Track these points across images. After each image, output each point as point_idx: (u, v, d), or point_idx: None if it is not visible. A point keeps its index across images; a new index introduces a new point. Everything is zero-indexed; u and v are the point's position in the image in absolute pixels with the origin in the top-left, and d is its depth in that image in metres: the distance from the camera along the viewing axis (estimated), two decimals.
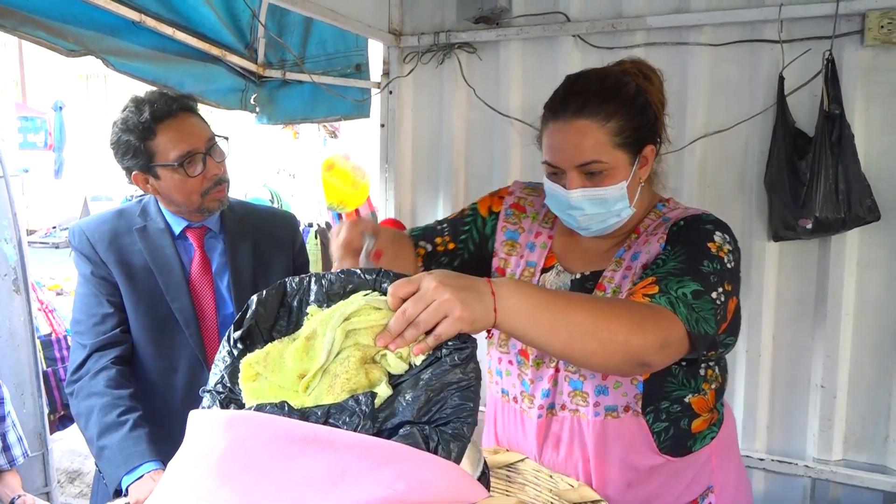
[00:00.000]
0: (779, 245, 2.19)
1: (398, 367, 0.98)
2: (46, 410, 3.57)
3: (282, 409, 1.04)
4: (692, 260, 1.18)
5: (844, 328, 2.13)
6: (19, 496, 2.50)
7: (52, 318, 4.50)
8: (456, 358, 0.95)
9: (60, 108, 11.31)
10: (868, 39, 2.00)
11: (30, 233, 13.07)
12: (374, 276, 1.04)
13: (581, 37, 2.38)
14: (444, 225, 1.51)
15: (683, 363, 1.30)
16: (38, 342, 3.63)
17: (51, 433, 3.65)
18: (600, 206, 1.26)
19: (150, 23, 2.30)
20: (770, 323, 2.22)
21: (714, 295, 1.16)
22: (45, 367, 3.86)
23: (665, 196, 1.42)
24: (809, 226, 2.02)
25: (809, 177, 2.02)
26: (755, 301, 2.21)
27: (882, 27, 1.98)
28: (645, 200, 1.35)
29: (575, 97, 1.25)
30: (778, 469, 2.22)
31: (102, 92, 15.24)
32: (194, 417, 1.13)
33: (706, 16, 2.19)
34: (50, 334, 4.25)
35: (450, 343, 0.95)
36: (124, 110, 1.73)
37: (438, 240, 1.48)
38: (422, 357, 0.95)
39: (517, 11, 2.47)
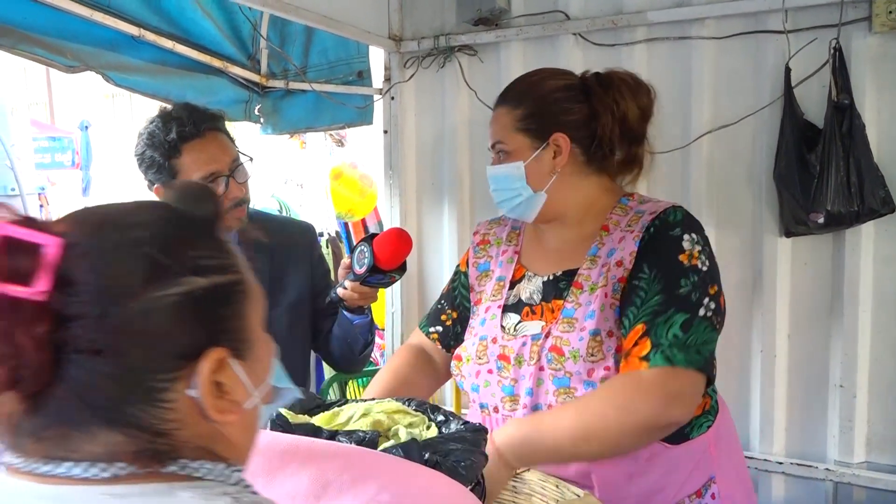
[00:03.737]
0: (791, 241, 2.12)
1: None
2: None
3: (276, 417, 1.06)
4: (669, 285, 1.26)
5: (863, 325, 2.04)
6: None
7: None
8: (468, 433, 1.08)
9: (86, 127, 11.49)
10: (876, 26, 1.93)
11: None
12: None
13: (582, 35, 2.34)
14: (442, 301, 1.65)
15: None
16: None
17: None
18: (500, 183, 1.41)
19: (150, 37, 2.32)
20: (785, 322, 2.15)
21: (702, 312, 1.25)
22: None
23: (657, 195, 1.52)
24: (821, 220, 1.95)
25: (819, 169, 1.95)
26: (768, 299, 2.15)
27: (890, 13, 1.91)
28: (596, 194, 1.42)
29: (507, 89, 1.46)
30: (797, 473, 2.14)
31: (128, 111, 15.50)
32: None
33: (707, 8, 2.14)
34: None
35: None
36: (151, 123, 1.72)
37: (443, 317, 1.62)
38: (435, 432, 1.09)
39: (516, 12, 2.44)
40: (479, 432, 1.12)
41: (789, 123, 2.02)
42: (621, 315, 1.28)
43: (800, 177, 1.99)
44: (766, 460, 2.17)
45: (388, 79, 2.73)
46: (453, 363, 1.48)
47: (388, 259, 1.56)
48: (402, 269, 1.61)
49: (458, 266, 1.66)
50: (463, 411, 2.43)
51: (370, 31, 2.54)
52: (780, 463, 2.16)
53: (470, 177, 2.64)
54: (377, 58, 2.81)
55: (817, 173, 1.95)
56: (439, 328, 1.61)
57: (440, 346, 1.59)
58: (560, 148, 1.37)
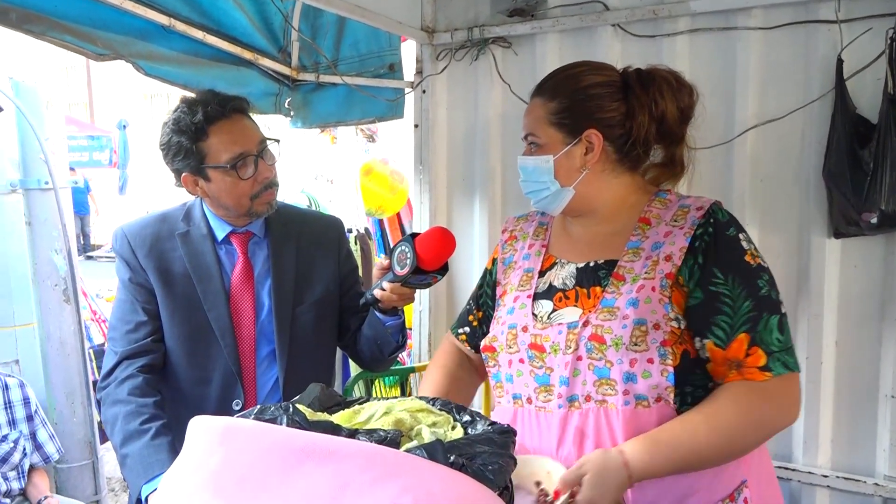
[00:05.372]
0: (840, 242, 2.01)
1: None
2: (98, 419, 3.62)
3: (285, 410, 1.02)
4: (752, 289, 1.26)
5: None
6: (46, 497, 2.53)
7: (105, 328, 4.59)
8: (495, 435, 1.06)
9: (124, 126, 11.73)
10: None
11: (96, 247, 13.54)
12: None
13: (621, 26, 2.27)
14: (470, 302, 1.64)
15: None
16: (90, 352, 3.68)
17: (102, 442, 3.70)
18: (529, 175, 1.39)
19: (180, 27, 2.30)
20: (832, 327, 2.04)
21: (783, 309, 1.27)
22: (96, 377, 3.92)
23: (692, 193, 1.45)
24: (874, 220, 1.86)
25: (873, 167, 1.86)
26: (815, 304, 2.04)
27: None
28: (627, 191, 1.39)
29: (543, 80, 1.42)
30: (844, 487, 2.04)
31: (165, 110, 15.78)
32: (194, 424, 1.07)
33: None
34: (102, 344, 4.33)
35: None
36: (175, 111, 1.70)
37: (471, 317, 1.61)
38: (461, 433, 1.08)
39: (553, 2, 2.37)
40: (507, 434, 1.06)
41: (841, 118, 1.93)
42: (705, 322, 1.26)
43: (851, 174, 1.90)
44: (810, 473, 2.07)
45: (419, 72, 2.68)
46: (486, 355, 1.44)
47: (433, 259, 1.51)
48: (444, 269, 1.56)
49: (486, 266, 1.63)
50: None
51: (402, 22, 2.49)
52: (826, 476, 2.06)
53: (502, 172, 2.58)
54: (409, 51, 2.77)
55: (870, 171, 1.86)
56: (467, 329, 1.61)
57: (469, 347, 1.59)
58: (592, 145, 1.34)
